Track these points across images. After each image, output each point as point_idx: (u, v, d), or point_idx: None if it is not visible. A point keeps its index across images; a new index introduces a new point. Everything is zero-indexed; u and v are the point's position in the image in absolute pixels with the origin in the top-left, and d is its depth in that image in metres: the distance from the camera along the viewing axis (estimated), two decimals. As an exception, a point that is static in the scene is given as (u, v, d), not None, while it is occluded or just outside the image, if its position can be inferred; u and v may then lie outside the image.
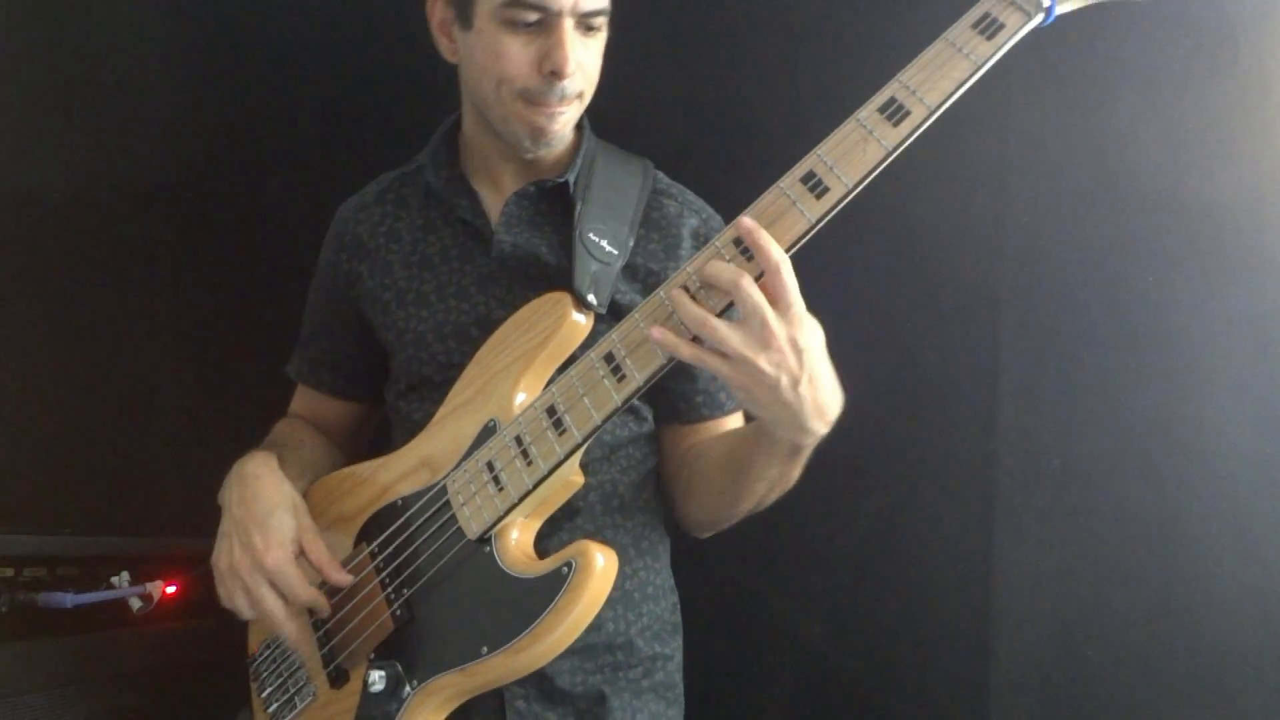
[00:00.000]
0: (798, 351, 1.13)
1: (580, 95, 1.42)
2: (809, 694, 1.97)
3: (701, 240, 1.52)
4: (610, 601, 1.28)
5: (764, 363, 1.13)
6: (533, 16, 1.34)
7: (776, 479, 1.35)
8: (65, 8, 2.08)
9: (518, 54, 1.36)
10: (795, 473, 1.34)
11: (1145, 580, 1.82)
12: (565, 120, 1.43)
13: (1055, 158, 1.87)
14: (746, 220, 1.16)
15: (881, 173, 1.16)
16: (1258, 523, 1.78)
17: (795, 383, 1.14)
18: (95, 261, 2.07)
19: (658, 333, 1.17)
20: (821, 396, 1.17)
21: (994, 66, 1.16)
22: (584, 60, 1.39)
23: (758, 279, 1.14)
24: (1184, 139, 1.82)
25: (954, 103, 1.17)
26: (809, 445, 1.25)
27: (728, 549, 1.94)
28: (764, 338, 1.13)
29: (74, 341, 2.02)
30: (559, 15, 1.34)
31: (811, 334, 1.15)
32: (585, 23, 1.37)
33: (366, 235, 1.58)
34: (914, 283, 1.93)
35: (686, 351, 1.16)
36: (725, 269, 1.15)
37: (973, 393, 1.89)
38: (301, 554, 1.37)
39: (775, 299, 1.13)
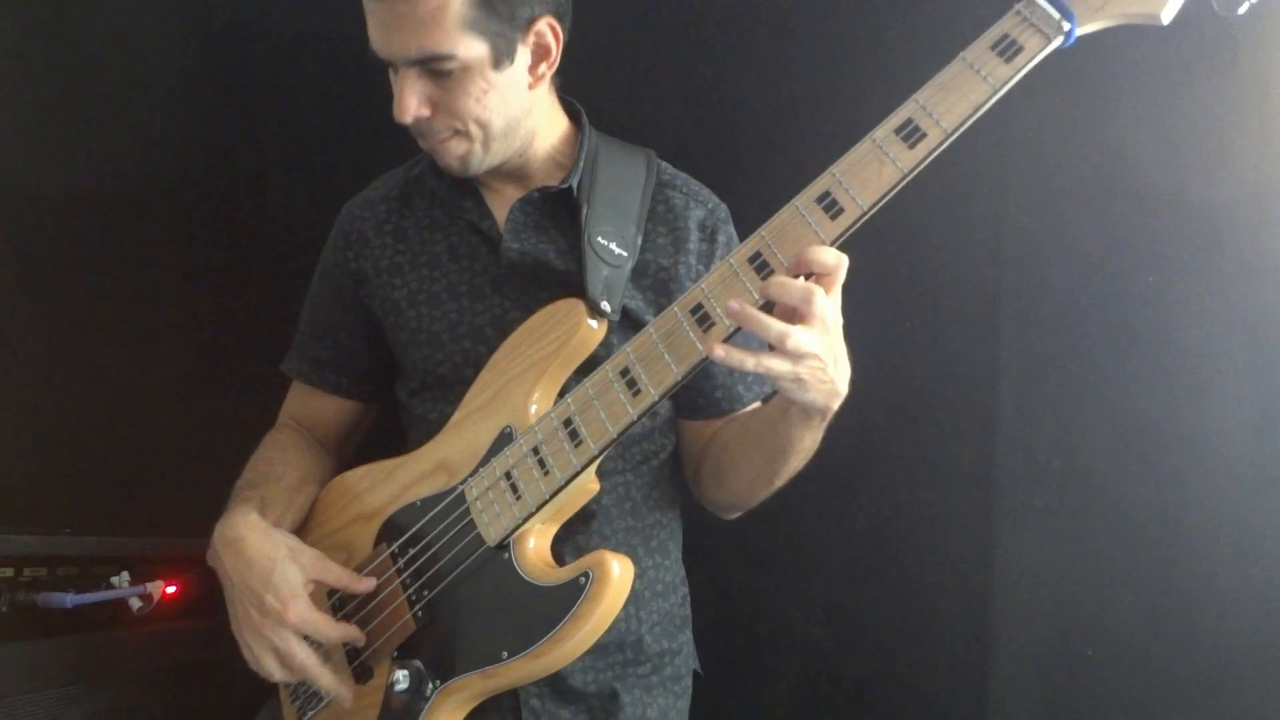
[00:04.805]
0: (827, 330, 1.17)
1: (457, 131, 1.42)
2: (809, 694, 1.97)
3: (708, 232, 1.53)
4: None
5: (824, 354, 1.17)
6: (385, 64, 1.39)
7: (810, 448, 1.38)
8: (65, 8, 2.08)
9: (395, 94, 1.39)
10: (820, 435, 1.37)
11: (1145, 580, 1.82)
12: (456, 153, 1.44)
13: (1055, 159, 1.87)
14: (796, 252, 1.16)
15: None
16: (1257, 523, 1.78)
17: (835, 360, 1.19)
18: (95, 261, 2.07)
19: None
20: (846, 362, 1.22)
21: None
22: (441, 100, 1.38)
23: (808, 277, 1.16)
24: (1184, 139, 1.82)
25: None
26: (836, 407, 1.27)
27: (729, 549, 1.95)
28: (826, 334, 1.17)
29: (74, 341, 2.02)
30: (393, 64, 1.38)
31: (836, 310, 1.19)
32: (427, 68, 1.36)
33: (373, 234, 1.58)
34: (914, 283, 1.93)
35: (751, 364, 1.16)
36: (795, 286, 1.15)
37: (973, 393, 1.89)
38: (317, 585, 1.38)
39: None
